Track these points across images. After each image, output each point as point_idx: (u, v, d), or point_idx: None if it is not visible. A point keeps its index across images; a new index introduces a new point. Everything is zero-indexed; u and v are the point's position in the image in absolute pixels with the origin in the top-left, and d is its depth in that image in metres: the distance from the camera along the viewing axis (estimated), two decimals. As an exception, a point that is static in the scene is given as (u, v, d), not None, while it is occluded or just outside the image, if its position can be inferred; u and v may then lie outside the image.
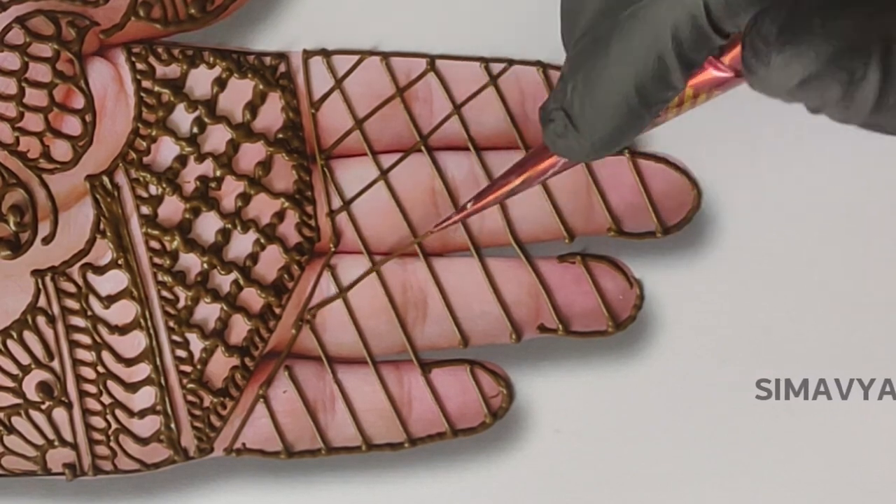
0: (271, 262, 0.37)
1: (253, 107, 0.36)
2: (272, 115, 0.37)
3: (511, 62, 0.37)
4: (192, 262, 0.36)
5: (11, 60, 0.35)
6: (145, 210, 0.36)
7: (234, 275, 0.36)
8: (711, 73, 0.29)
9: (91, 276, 0.36)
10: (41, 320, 0.36)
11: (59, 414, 0.36)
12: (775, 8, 0.26)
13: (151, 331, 0.36)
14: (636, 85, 0.27)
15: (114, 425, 0.36)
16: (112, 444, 0.36)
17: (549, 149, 0.31)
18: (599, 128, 0.28)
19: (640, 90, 0.27)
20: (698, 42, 0.26)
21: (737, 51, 0.28)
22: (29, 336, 0.36)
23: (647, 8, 0.26)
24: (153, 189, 0.36)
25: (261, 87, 0.37)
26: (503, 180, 0.34)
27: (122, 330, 0.36)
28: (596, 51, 0.27)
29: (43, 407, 0.36)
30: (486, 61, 0.37)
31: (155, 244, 0.36)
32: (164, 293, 0.36)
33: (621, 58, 0.27)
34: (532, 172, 0.33)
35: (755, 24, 0.26)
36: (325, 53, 0.37)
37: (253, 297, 0.36)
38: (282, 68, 0.37)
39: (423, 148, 0.37)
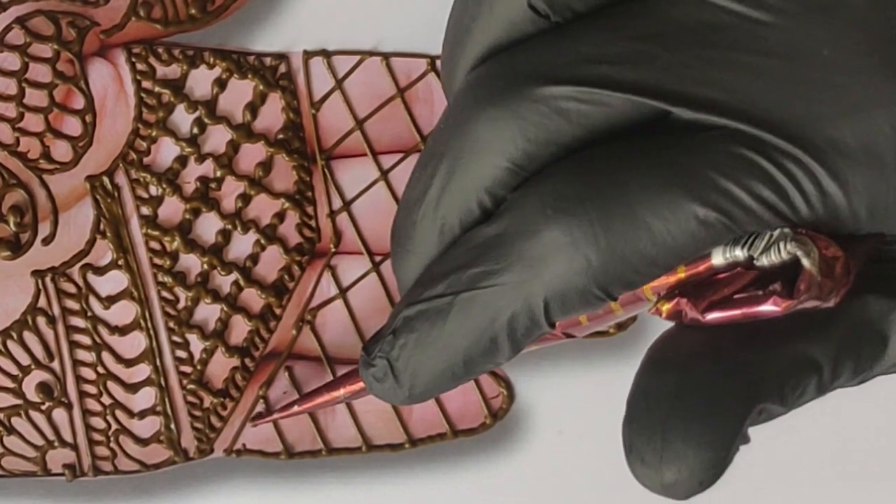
0: (272, 263, 0.37)
1: (253, 107, 0.36)
2: (272, 115, 0.37)
3: (511, 62, 0.37)
4: (192, 263, 0.36)
5: (11, 61, 0.35)
6: (145, 211, 0.36)
7: (235, 275, 0.36)
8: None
9: (91, 277, 0.36)
10: (41, 321, 0.36)
11: (59, 414, 0.36)
12: (636, 422, 0.29)
13: (151, 331, 0.36)
14: (464, 358, 0.28)
15: (114, 426, 0.36)
16: (112, 444, 0.36)
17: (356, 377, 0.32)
18: (419, 384, 0.29)
19: (468, 362, 0.28)
20: (530, 331, 0.27)
21: (568, 320, 0.29)
22: (29, 336, 0.36)
23: (488, 294, 0.27)
24: (153, 189, 0.36)
25: (261, 87, 0.36)
26: (331, 389, 0.34)
27: (123, 330, 0.36)
28: (432, 320, 0.28)
29: (43, 407, 0.36)
30: (486, 61, 0.37)
31: (155, 245, 0.36)
32: (165, 294, 0.36)
33: (456, 334, 0.28)
34: (345, 392, 0.34)
35: (629, 442, 0.29)
36: (326, 54, 0.37)
37: (253, 298, 0.36)
38: (282, 69, 0.37)
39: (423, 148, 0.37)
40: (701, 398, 0.27)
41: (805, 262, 0.26)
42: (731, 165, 0.26)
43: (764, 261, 0.27)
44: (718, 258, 0.27)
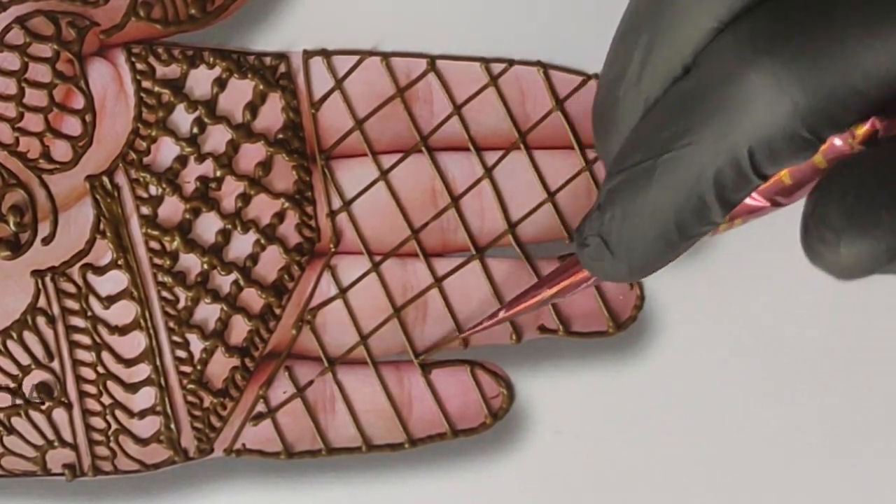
0: (271, 263, 0.37)
1: (253, 107, 0.36)
2: (272, 115, 0.37)
3: (511, 62, 0.37)
4: (192, 263, 0.36)
5: (11, 60, 0.35)
6: (145, 210, 0.36)
7: (235, 275, 0.36)
8: (748, 202, 0.29)
9: (91, 277, 0.36)
10: (41, 321, 0.36)
11: (59, 414, 0.36)
12: (836, 189, 0.26)
13: (151, 331, 0.36)
14: (676, 221, 0.27)
15: (114, 426, 0.36)
16: (112, 444, 0.36)
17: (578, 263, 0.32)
18: (637, 256, 0.28)
19: (680, 226, 0.27)
20: (739, 185, 0.26)
21: (772, 182, 0.28)
22: (29, 336, 0.36)
23: (689, 151, 0.26)
24: (153, 189, 0.36)
25: (261, 87, 0.36)
26: (535, 290, 0.34)
27: (122, 330, 0.36)
28: (635, 187, 0.27)
29: (43, 407, 0.36)
30: (486, 61, 0.37)
31: (155, 244, 0.36)
32: (164, 293, 0.36)
33: (661, 196, 0.27)
34: (566, 284, 0.34)
35: (818, 209, 0.26)
36: (326, 53, 0.37)
37: (253, 298, 0.36)
38: (282, 68, 0.37)
39: (423, 148, 0.37)
40: (883, 212, 0.25)
41: None
42: None
43: None
44: None
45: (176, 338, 0.36)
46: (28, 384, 0.36)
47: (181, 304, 0.36)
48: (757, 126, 0.25)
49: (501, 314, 0.36)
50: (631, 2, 0.28)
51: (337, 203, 0.37)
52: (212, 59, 0.36)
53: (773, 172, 0.26)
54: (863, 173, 0.26)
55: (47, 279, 0.36)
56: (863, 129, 0.27)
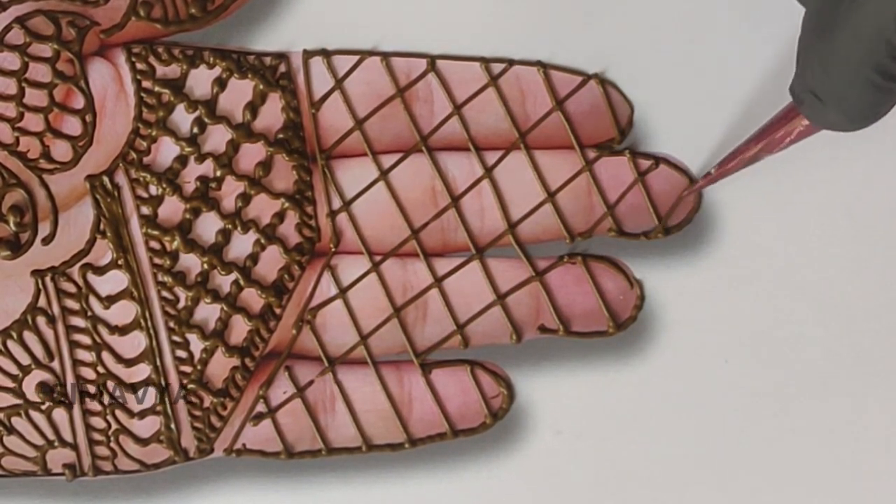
0: (271, 263, 0.37)
1: (253, 107, 0.36)
2: (272, 115, 0.37)
3: (511, 62, 0.37)
4: (192, 263, 0.36)
5: (11, 60, 0.35)
6: (145, 210, 0.36)
7: (235, 275, 0.36)
8: None
9: (91, 277, 0.36)
10: (41, 321, 0.36)
11: (59, 414, 0.36)
12: None
13: (151, 331, 0.36)
14: (875, 66, 0.27)
15: (114, 426, 0.36)
16: (112, 444, 0.36)
17: (789, 116, 0.32)
18: (852, 105, 0.28)
19: (881, 70, 0.28)
20: None
21: None
22: (29, 336, 0.36)
23: None
24: (153, 189, 0.36)
25: (261, 87, 0.36)
26: (745, 147, 0.35)
27: (123, 330, 0.36)
28: (824, 39, 0.28)
29: (43, 407, 0.36)
30: (486, 61, 0.37)
31: (155, 244, 0.36)
32: (165, 293, 0.36)
33: (851, 45, 0.27)
34: (772, 139, 0.34)
35: None
36: (326, 53, 0.37)
37: (253, 298, 0.36)
38: (282, 68, 0.37)
39: (423, 148, 0.37)
40: None
41: None
42: None
43: None
44: None
45: (176, 338, 0.36)
46: (28, 384, 0.36)
47: (181, 304, 0.36)
48: None
49: (714, 171, 0.36)
50: None
51: (337, 203, 0.37)
52: (212, 59, 0.36)
53: None
54: None
55: (47, 279, 0.36)
56: None
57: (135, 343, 0.36)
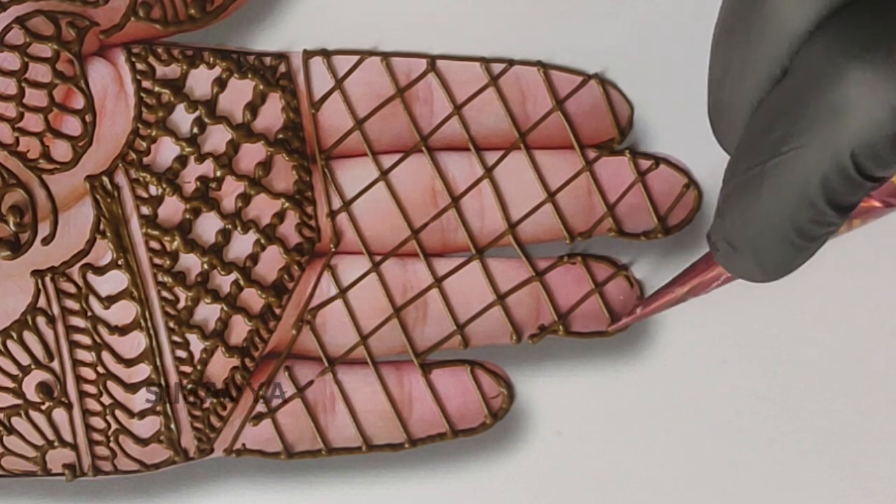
0: (271, 263, 0.37)
1: (253, 107, 0.36)
2: (272, 115, 0.37)
3: (511, 62, 0.37)
4: (192, 263, 0.36)
5: (11, 60, 0.35)
6: (145, 210, 0.36)
7: (235, 275, 0.36)
8: (868, 203, 0.29)
9: (91, 277, 0.36)
10: (41, 321, 0.36)
11: (59, 414, 0.36)
12: None
13: (151, 331, 0.36)
14: (793, 226, 0.27)
15: (114, 426, 0.36)
16: (112, 444, 0.36)
17: (710, 261, 0.32)
18: (767, 259, 0.28)
19: (799, 231, 0.27)
20: (849, 190, 0.26)
21: (889, 184, 0.28)
22: (29, 336, 0.36)
23: (793, 157, 0.26)
24: (153, 189, 0.36)
25: (261, 87, 0.36)
26: (669, 290, 0.35)
27: (122, 330, 0.36)
28: (748, 194, 0.27)
29: (43, 407, 0.36)
30: (486, 61, 0.37)
31: (155, 244, 0.36)
32: (165, 294, 0.36)
33: (774, 203, 0.27)
34: (699, 282, 0.34)
35: None
36: (326, 53, 0.37)
37: (253, 298, 0.36)
38: (282, 68, 0.37)
39: (423, 148, 0.37)
40: None
41: None
42: None
43: None
44: None
45: (176, 338, 0.36)
46: (28, 384, 0.36)
47: (181, 304, 0.36)
48: (856, 131, 0.25)
49: (638, 311, 0.36)
50: (725, 2, 0.28)
51: (337, 203, 0.37)
52: (212, 59, 0.36)
53: (881, 175, 0.26)
54: None
55: (47, 279, 0.36)
56: None
57: (135, 343, 0.36)
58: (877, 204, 0.30)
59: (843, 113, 0.25)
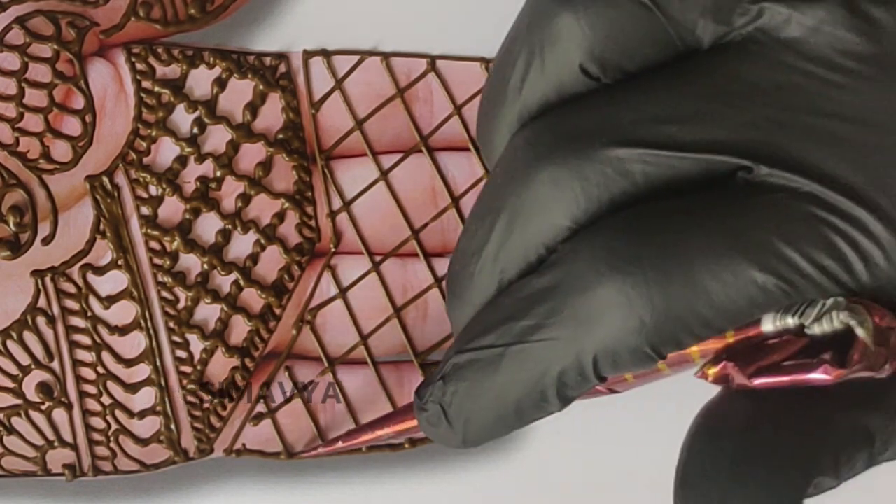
0: (271, 263, 0.37)
1: (253, 107, 0.36)
2: (272, 115, 0.37)
3: (511, 62, 0.37)
4: (192, 263, 0.36)
5: (11, 61, 0.35)
6: (145, 210, 0.36)
7: (235, 275, 0.36)
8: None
9: (91, 277, 0.36)
10: (41, 321, 0.36)
11: (59, 414, 0.36)
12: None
13: (151, 331, 0.36)
14: (515, 409, 0.28)
15: (114, 426, 0.36)
16: (112, 444, 0.36)
17: (409, 413, 0.32)
18: (472, 431, 0.29)
19: (518, 412, 0.28)
20: (579, 385, 0.28)
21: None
22: (29, 337, 0.36)
23: (538, 348, 0.27)
24: (153, 189, 0.36)
25: (261, 87, 0.36)
26: (374, 427, 0.34)
27: (122, 330, 0.36)
28: (482, 371, 0.28)
29: (43, 407, 0.36)
30: (486, 61, 0.37)
31: (155, 245, 0.36)
32: (165, 294, 0.36)
33: (506, 386, 0.28)
34: (404, 428, 0.34)
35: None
36: (326, 54, 0.37)
37: (253, 298, 0.36)
38: (282, 69, 0.37)
39: (423, 148, 0.37)
40: (761, 467, 0.27)
41: (859, 331, 0.26)
42: (795, 231, 0.26)
43: (815, 329, 0.27)
44: (769, 325, 0.27)
45: (176, 338, 0.36)
46: (28, 384, 0.36)
47: (181, 305, 0.36)
48: (605, 338, 0.26)
49: (339, 444, 0.35)
50: (490, 179, 0.29)
51: (337, 203, 0.37)
52: (212, 59, 0.36)
53: (613, 376, 0.28)
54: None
55: (47, 279, 0.36)
56: (715, 370, 0.28)
57: (135, 343, 0.36)
58: (603, 391, 0.31)
59: (596, 319, 0.26)
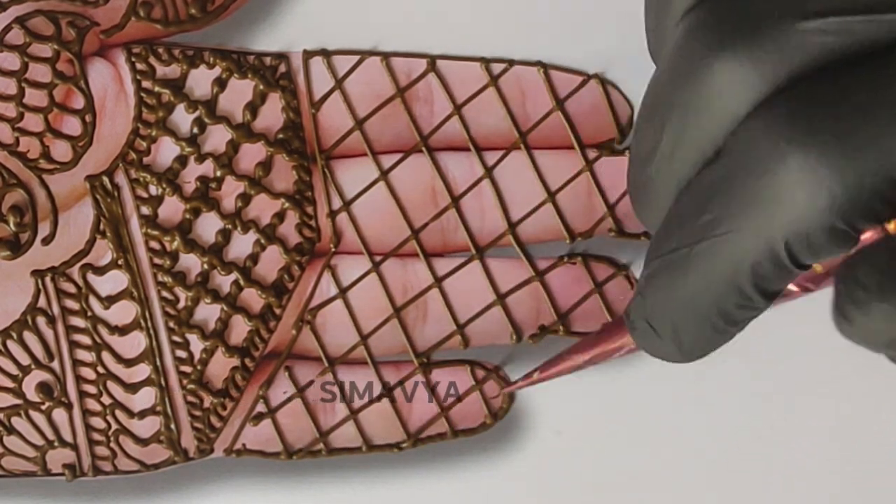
0: (272, 263, 0.37)
1: (253, 107, 0.36)
2: (272, 115, 0.37)
3: (511, 62, 0.37)
4: (192, 263, 0.36)
5: (11, 60, 0.35)
6: (145, 210, 0.36)
7: (235, 275, 0.36)
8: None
9: (91, 277, 0.36)
10: (41, 321, 0.36)
11: (59, 414, 0.36)
12: (871, 252, 0.25)
13: (151, 331, 0.36)
14: (718, 310, 0.27)
15: (114, 426, 0.36)
16: (112, 444, 0.36)
17: (621, 332, 0.31)
18: (686, 341, 0.28)
19: (723, 314, 0.27)
20: (779, 276, 0.26)
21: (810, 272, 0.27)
22: (29, 336, 0.36)
23: (724, 241, 0.26)
24: (153, 189, 0.36)
25: (261, 87, 0.36)
26: (571, 355, 0.34)
27: (122, 330, 0.36)
28: (673, 275, 0.27)
29: (43, 407, 0.36)
30: (486, 61, 0.37)
31: (155, 244, 0.36)
32: (165, 294, 0.36)
33: (700, 286, 0.27)
34: (602, 351, 0.33)
35: (852, 270, 0.25)
36: (326, 53, 0.37)
37: (253, 298, 0.36)
38: (282, 68, 0.37)
39: (423, 148, 0.37)
40: None
41: None
42: None
43: None
44: None
45: (176, 338, 0.36)
46: (28, 384, 0.36)
47: (181, 304, 0.36)
48: (794, 219, 0.25)
49: (536, 375, 0.35)
50: (656, 75, 0.28)
51: (337, 203, 0.37)
52: (212, 59, 0.36)
53: (812, 263, 0.26)
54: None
55: (47, 279, 0.36)
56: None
57: (135, 343, 0.36)
58: (794, 289, 0.29)
59: (782, 199, 0.25)
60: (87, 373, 0.36)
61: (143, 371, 0.36)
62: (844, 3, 0.25)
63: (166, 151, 0.36)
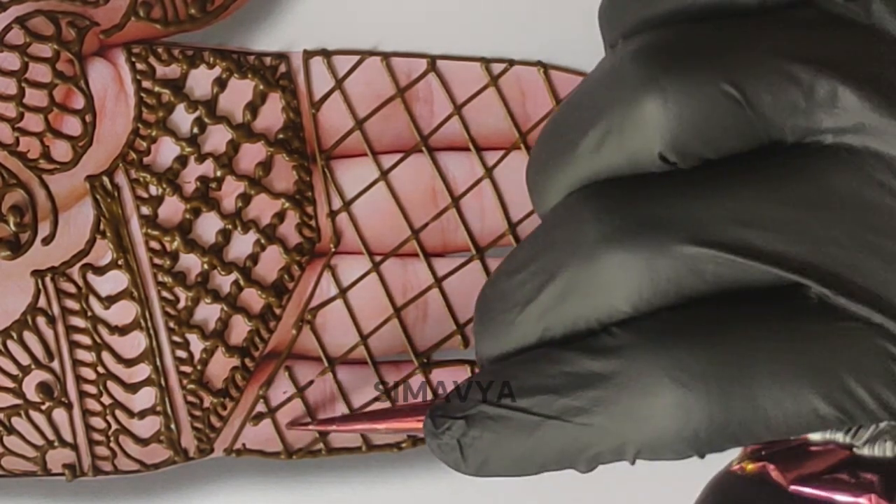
0: (272, 263, 0.37)
1: (253, 107, 0.36)
2: (272, 115, 0.37)
3: (511, 62, 0.37)
4: (192, 263, 0.36)
5: (11, 60, 0.35)
6: (145, 210, 0.36)
7: (235, 275, 0.36)
8: None
9: (91, 277, 0.36)
10: (41, 321, 0.36)
11: (59, 414, 0.36)
12: None
13: (151, 331, 0.36)
14: (539, 467, 0.29)
15: (114, 426, 0.36)
16: (112, 444, 0.36)
17: (421, 418, 0.31)
18: (487, 471, 0.29)
19: (541, 468, 0.29)
20: (613, 462, 0.28)
21: None
22: (29, 336, 0.36)
23: (580, 430, 0.28)
24: (153, 189, 0.36)
25: (261, 87, 0.36)
26: (371, 419, 0.34)
27: (123, 330, 0.36)
28: (514, 433, 0.28)
29: (43, 407, 0.36)
30: (486, 61, 0.37)
31: (155, 245, 0.36)
32: (165, 294, 0.36)
33: (536, 451, 0.28)
34: (400, 427, 0.33)
35: None
36: (326, 53, 0.37)
37: (253, 298, 0.36)
38: (282, 68, 0.37)
39: (423, 148, 0.37)
40: None
41: None
42: (864, 366, 0.25)
43: (865, 451, 0.26)
44: (816, 436, 0.27)
45: (176, 338, 0.36)
46: (28, 384, 0.36)
47: (181, 305, 0.36)
48: (653, 439, 0.27)
49: (334, 426, 0.35)
50: (544, 228, 0.29)
51: (337, 203, 0.37)
52: (212, 59, 0.36)
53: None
54: None
55: (47, 279, 0.36)
56: (753, 467, 0.28)
57: (135, 343, 0.36)
58: None
59: (650, 422, 0.26)
60: (87, 373, 0.36)
61: (143, 371, 0.36)
62: (740, 244, 0.26)
63: (166, 151, 0.36)
